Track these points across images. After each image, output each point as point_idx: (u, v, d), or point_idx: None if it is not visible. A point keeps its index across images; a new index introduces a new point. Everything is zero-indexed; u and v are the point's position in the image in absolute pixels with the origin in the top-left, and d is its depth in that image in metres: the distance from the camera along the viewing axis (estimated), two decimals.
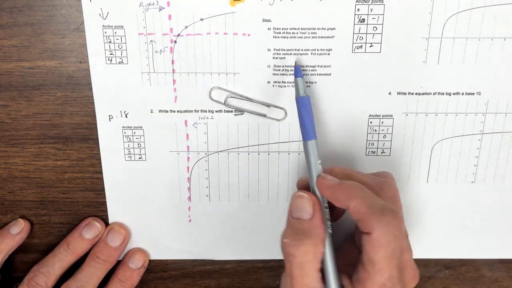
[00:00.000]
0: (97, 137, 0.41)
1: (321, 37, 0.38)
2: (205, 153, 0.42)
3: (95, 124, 0.41)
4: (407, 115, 0.41)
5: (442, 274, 0.46)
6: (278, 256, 0.45)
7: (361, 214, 0.32)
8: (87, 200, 0.43)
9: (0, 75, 0.39)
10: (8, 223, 0.43)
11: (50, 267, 0.41)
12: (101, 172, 0.42)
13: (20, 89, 0.40)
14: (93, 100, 0.40)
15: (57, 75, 0.40)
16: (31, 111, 0.41)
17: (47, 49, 0.39)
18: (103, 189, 0.43)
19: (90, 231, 0.43)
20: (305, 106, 0.37)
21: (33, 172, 0.42)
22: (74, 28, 0.38)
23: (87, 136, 0.41)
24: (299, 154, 0.42)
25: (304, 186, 0.37)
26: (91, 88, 0.40)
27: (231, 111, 0.40)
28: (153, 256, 0.45)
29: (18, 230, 0.43)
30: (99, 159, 0.42)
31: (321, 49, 0.39)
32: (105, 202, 0.43)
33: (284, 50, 0.39)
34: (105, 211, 0.43)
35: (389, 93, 0.40)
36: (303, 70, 0.39)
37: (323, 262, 0.34)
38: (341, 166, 0.37)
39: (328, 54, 0.39)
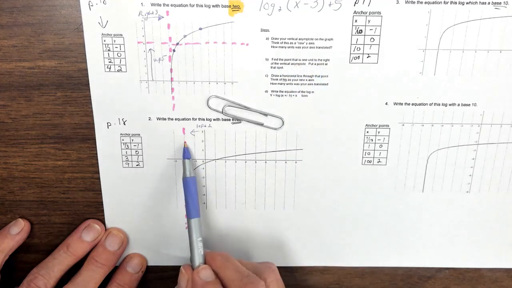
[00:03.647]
0: (96, 138, 0.41)
1: (319, 47, 0.39)
2: (203, 161, 0.42)
3: (94, 124, 0.41)
4: (403, 125, 0.41)
5: (442, 274, 0.46)
6: (275, 263, 0.45)
7: None
8: (87, 200, 0.43)
9: (0, 75, 0.40)
10: (8, 223, 0.43)
11: (50, 269, 0.41)
12: (100, 173, 0.42)
13: (20, 89, 0.40)
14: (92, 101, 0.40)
15: (57, 75, 0.40)
16: (31, 111, 0.41)
17: (47, 49, 0.39)
18: None
19: (89, 233, 0.43)
20: (189, 187, 0.40)
21: (33, 172, 0.42)
22: (74, 28, 0.38)
23: (87, 136, 0.41)
24: (295, 162, 0.42)
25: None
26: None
27: (229, 120, 0.41)
28: (150, 263, 0.45)
29: (18, 230, 0.43)
30: (98, 159, 0.42)
31: (318, 59, 0.39)
32: None
33: (282, 59, 0.39)
34: (104, 211, 0.44)
35: (386, 103, 0.40)
36: (301, 80, 0.39)
37: None
38: (222, 253, 0.39)
39: (326, 64, 0.39)
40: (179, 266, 0.45)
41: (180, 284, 0.38)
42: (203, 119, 0.41)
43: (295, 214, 0.44)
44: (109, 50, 0.38)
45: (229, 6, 0.37)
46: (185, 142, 0.41)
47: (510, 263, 0.46)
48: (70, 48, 0.39)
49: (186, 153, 0.40)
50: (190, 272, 0.38)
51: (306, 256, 0.45)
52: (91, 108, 0.40)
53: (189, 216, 0.40)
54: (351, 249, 0.45)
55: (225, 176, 0.42)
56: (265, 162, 0.42)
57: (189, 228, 0.40)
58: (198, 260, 0.39)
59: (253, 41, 0.38)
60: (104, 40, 0.38)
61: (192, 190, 0.40)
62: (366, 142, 0.41)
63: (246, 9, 0.37)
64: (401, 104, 0.40)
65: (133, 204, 0.43)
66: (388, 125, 0.41)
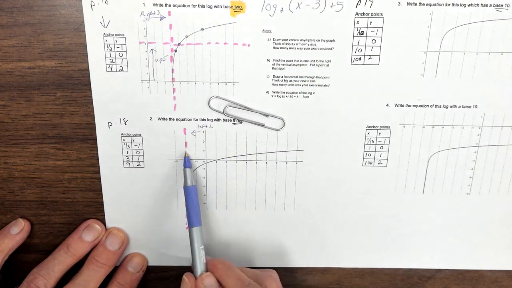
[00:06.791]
0: (97, 138, 0.41)
1: (321, 49, 0.39)
2: (203, 161, 0.42)
3: (95, 124, 0.41)
4: (404, 126, 0.41)
5: (442, 274, 0.46)
6: (275, 264, 0.45)
7: None
8: (87, 200, 0.43)
9: (0, 75, 0.40)
10: (8, 223, 0.43)
11: (50, 269, 0.41)
12: (100, 173, 0.42)
13: (20, 89, 0.40)
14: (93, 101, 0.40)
15: (57, 75, 0.40)
16: (31, 111, 0.41)
17: (47, 49, 0.39)
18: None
19: (90, 233, 0.43)
20: (190, 196, 0.40)
21: (33, 172, 0.42)
22: (74, 28, 0.38)
23: (87, 136, 0.41)
24: (296, 163, 0.42)
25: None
26: (91, 88, 0.40)
27: (230, 120, 0.41)
28: (150, 263, 0.45)
29: (18, 230, 0.43)
30: (99, 159, 0.42)
31: (320, 61, 0.39)
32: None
33: (284, 60, 0.39)
34: (105, 211, 0.44)
35: (387, 105, 0.40)
36: (302, 81, 0.39)
37: None
38: (224, 261, 0.39)
39: (327, 65, 0.39)
40: (179, 266, 0.46)
41: None
42: (204, 120, 0.41)
43: (296, 214, 0.44)
44: (110, 50, 0.38)
45: (231, 7, 0.37)
46: (186, 153, 0.41)
47: (510, 264, 0.46)
48: (70, 48, 0.39)
49: (187, 162, 0.41)
50: (193, 281, 0.39)
51: (306, 256, 0.45)
52: (91, 108, 0.40)
53: (190, 225, 0.40)
54: (351, 250, 0.45)
55: (226, 177, 0.42)
56: (266, 162, 0.42)
57: (190, 236, 0.40)
58: (200, 268, 0.39)
59: (254, 42, 0.38)
60: (106, 40, 0.38)
61: (193, 198, 0.40)
62: (367, 144, 0.41)
63: (248, 10, 0.37)
64: (402, 105, 0.40)
65: (134, 204, 0.43)
66: (389, 127, 0.41)
